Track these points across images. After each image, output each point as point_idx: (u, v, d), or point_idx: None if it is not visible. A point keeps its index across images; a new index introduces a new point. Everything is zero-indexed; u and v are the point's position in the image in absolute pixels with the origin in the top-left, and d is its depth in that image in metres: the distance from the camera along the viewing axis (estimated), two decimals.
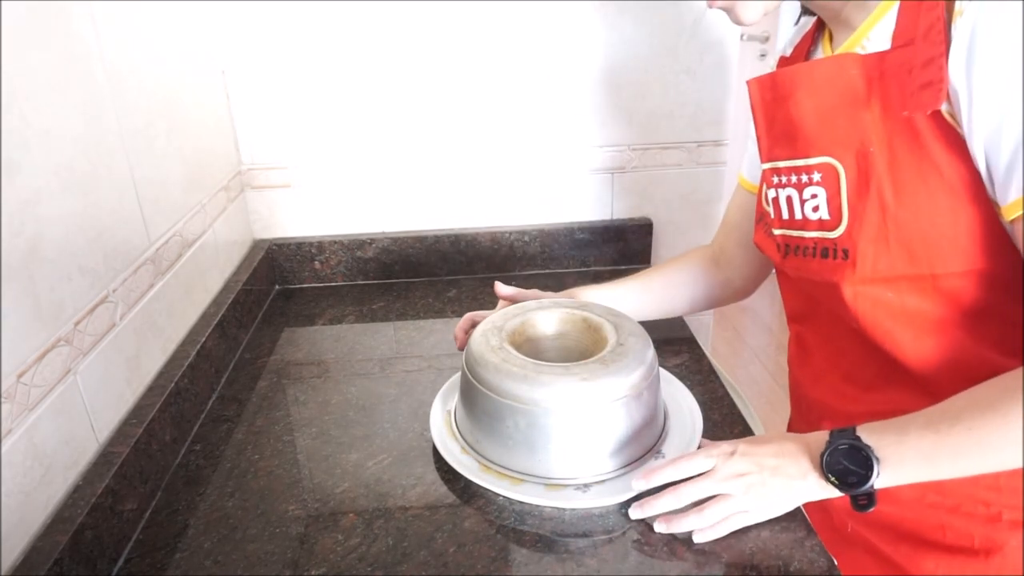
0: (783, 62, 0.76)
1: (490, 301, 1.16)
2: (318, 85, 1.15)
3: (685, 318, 1.08)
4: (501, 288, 0.93)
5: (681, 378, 0.90)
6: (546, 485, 0.73)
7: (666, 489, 0.69)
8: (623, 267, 1.29)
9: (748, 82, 0.73)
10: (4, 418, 0.59)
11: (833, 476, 0.62)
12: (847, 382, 0.74)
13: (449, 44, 1.14)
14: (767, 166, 0.72)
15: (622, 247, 1.28)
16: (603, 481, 0.73)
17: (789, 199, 0.70)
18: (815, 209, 0.67)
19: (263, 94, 1.15)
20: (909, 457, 0.60)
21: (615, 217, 1.29)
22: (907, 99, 0.58)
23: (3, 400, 0.59)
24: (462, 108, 1.19)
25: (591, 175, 1.26)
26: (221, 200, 1.10)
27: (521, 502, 0.72)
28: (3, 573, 0.58)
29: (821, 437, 0.64)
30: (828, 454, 0.62)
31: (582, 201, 1.28)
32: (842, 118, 0.63)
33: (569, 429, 0.72)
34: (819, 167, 0.66)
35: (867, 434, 0.62)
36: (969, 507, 0.69)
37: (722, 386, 0.91)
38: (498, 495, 0.73)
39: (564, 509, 0.71)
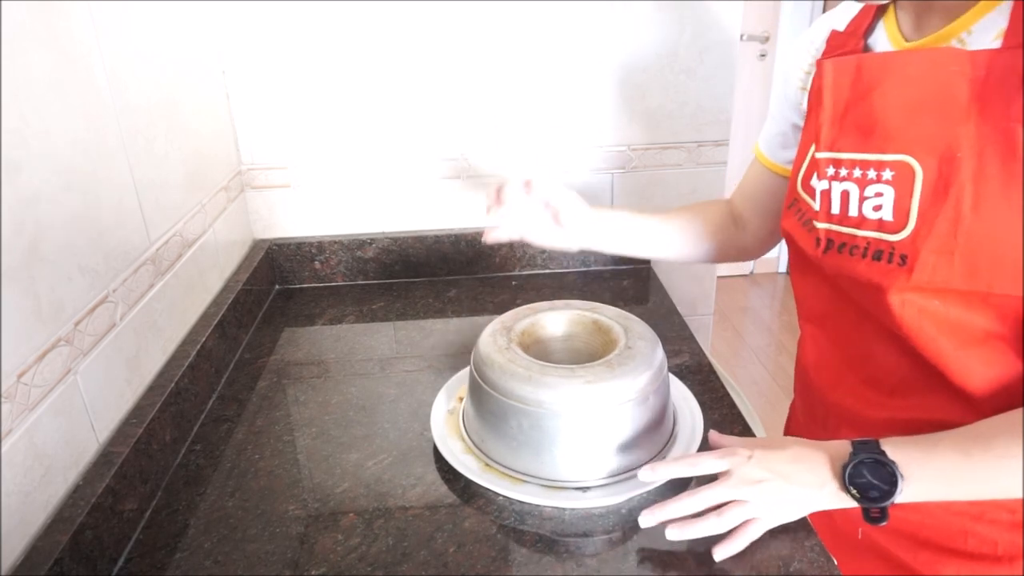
0: (835, 37, 0.69)
1: (490, 302, 1.16)
2: (318, 85, 1.15)
3: (685, 318, 1.08)
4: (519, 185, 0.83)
5: (681, 378, 0.90)
6: (548, 486, 0.73)
7: (679, 495, 0.66)
8: (623, 267, 1.28)
9: (823, 63, 0.66)
10: (4, 418, 0.59)
11: (855, 489, 0.60)
12: (870, 386, 0.70)
13: (448, 45, 1.14)
14: (824, 155, 0.66)
15: None
16: (607, 485, 0.73)
17: (845, 194, 0.64)
18: (876, 208, 0.62)
19: (263, 94, 1.15)
20: (931, 477, 0.59)
21: None
22: (1013, 108, 0.53)
23: (3, 400, 0.59)
24: (462, 108, 1.19)
25: (591, 175, 1.26)
26: (221, 200, 1.10)
27: (521, 502, 0.72)
28: (3, 573, 0.58)
29: (843, 448, 0.62)
30: (852, 467, 0.60)
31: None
32: (931, 117, 0.58)
33: (573, 431, 0.72)
34: (893, 165, 0.60)
35: (892, 449, 0.60)
36: (993, 514, 0.67)
37: (722, 386, 0.91)
38: (498, 495, 0.73)
39: (564, 509, 0.72)
